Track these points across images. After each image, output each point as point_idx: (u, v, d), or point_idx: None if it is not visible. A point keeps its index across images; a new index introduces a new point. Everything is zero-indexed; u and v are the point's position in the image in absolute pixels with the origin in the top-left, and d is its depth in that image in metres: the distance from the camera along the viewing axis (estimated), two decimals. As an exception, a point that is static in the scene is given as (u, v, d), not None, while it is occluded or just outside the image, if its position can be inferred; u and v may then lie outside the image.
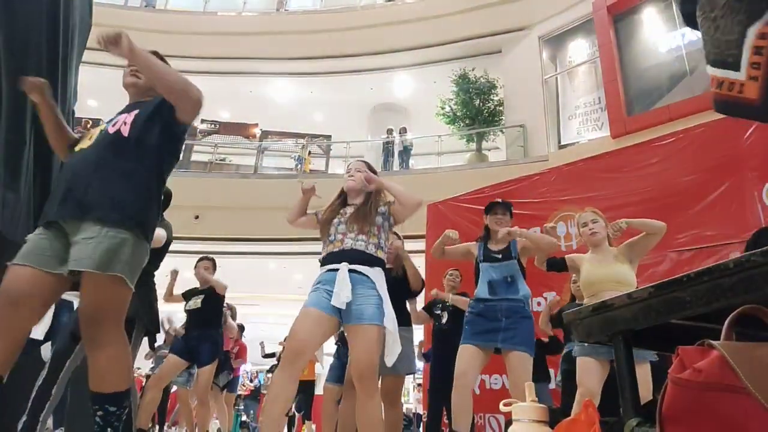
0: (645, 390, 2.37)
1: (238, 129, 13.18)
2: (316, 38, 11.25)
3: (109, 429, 1.64)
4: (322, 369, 7.14)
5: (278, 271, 11.60)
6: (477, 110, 10.33)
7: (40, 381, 2.18)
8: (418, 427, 7.32)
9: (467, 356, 2.93)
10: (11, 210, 2.29)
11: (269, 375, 9.51)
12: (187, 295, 4.45)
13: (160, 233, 2.76)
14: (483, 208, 3.41)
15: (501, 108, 10.44)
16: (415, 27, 10.83)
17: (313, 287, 2.26)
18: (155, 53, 1.89)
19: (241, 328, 6.70)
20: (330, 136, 12.72)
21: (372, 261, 2.27)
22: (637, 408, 1.04)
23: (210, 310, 4.32)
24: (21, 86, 1.82)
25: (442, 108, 10.65)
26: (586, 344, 2.56)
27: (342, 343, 3.56)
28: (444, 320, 4.10)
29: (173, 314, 5.24)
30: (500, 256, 3.08)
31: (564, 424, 1.33)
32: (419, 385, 10.13)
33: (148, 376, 6.77)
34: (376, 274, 2.25)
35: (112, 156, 1.70)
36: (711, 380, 0.72)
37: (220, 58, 11.43)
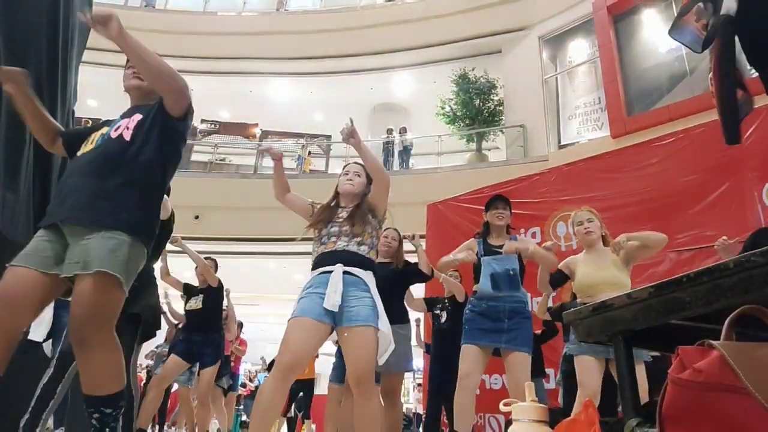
0: (641, 390, 2.37)
1: (238, 129, 13.18)
2: (316, 38, 11.25)
3: (106, 429, 1.64)
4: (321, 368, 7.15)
5: (278, 271, 11.60)
6: (477, 110, 10.32)
7: (45, 379, 2.18)
8: (418, 426, 7.32)
9: (471, 357, 2.91)
10: (11, 210, 2.29)
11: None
12: (187, 291, 4.42)
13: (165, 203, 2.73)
14: (483, 208, 3.40)
15: (501, 108, 10.44)
16: (415, 27, 10.83)
17: (304, 292, 2.20)
18: None
19: (240, 324, 6.72)
20: (330, 136, 12.71)
21: (365, 263, 2.26)
22: (637, 408, 1.04)
23: (210, 309, 4.32)
24: None
25: (442, 108, 10.65)
26: (580, 342, 2.56)
27: None
28: (443, 319, 4.11)
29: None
30: (499, 251, 3.07)
31: (564, 424, 1.33)
32: (419, 385, 10.12)
33: (148, 374, 6.77)
34: (369, 277, 2.24)
35: (114, 160, 1.70)
36: (711, 380, 0.72)
37: (220, 58, 11.43)
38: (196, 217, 9.34)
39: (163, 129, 1.79)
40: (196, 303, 4.29)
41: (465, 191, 5.66)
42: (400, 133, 11.70)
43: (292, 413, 7.48)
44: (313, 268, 2.28)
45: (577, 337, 1.22)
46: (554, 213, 4.70)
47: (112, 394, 1.62)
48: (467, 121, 10.46)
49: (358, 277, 2.19)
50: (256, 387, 10.86)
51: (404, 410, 9.26)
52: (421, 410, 7.42)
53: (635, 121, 7.75)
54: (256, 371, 12.54)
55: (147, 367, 7.10)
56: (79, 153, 1.81)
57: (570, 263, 2.96)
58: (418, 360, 5.56)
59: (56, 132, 1.93)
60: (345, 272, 2.17)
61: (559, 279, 3.03)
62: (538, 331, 3.99)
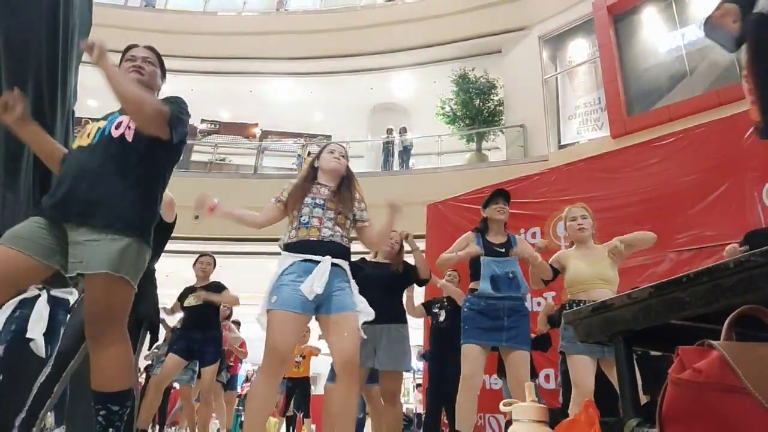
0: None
1: (238, 129, 13.18)
2: (316, 38, 11.25)
3: (111, 429, 1.65)
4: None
5: (278, 271, 11.59)
6: (477, 110, 10.32)
7: (42, 378, 2.18)
8: (419, 427, 7.32)
9: (474, 357, 2.90)
10: (11, 210, 2.30)
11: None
12: (183, 297, 4.43)
13: (168, 197, 2.73)
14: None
15: (501, 108, 10.44)
16: (415, 27, 10.83)
17: (286, 278, 2.14)
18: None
19: (237, 323, 6.71)
20: (330, 136, 12.71)
21: (346, 254, 2.29)
22: (637, 408, 1.04)
23: (210, 307, 4.32)
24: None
25: (442, 108, 10.65)
26: (579, 342, 2.54)
27: None
28: (441, 318, 4.11)
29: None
30: (503, 250, 3.05)
31: (564, 424, 1.33)
32: (419, 385, 10.12)
33: (147, 375, 6.76)
34: (347, 266, 2.27)
35: (116, 161, 1.70)
36: (711, 380, 0.72)
37: (220, 58, 11.43)
38: (196, 217, 9.31)
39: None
40: (196, 300, 4.27)
41: (465, 191, 5.66)
42: (400, 133, 11.70)
43: (291, 412, 7.47)
44: (292, 250, 2.21)
45: (577, 338, 1.22)
46: (554, 213, 4.70)
47: (121, 392, 1.65)
48: (467, 121, 10.46)
49: (342, 267, 2.22)
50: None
51: (404, 410, 9.27)
52: (421, 410, 7.42)
53: (635, 121, 7.75)
54: (254, 371, 12.54)
55: (145, 367, 7.09)
56: (75, 145, 1.79)
57: (561, 258, 2.95)
58: (417, 360, 5.56)
59: (63, 155, 1.91)
60: (332, 263, 2.17)
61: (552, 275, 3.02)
62: (532, 335, 3.99)
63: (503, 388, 4.14)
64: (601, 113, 8.72)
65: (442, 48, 10.78)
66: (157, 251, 2.59)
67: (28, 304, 2.66)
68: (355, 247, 2.46)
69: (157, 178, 1.81)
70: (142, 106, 1.69)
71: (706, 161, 3.95)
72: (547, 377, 4.31)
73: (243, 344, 6.66)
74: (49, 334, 2.66)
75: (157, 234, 1.81)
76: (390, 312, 3.25)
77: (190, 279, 4.52)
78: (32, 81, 2.50)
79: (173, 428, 6.97)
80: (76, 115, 3.14)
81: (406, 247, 3.49)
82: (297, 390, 6.90)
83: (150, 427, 4.65)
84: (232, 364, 6.50)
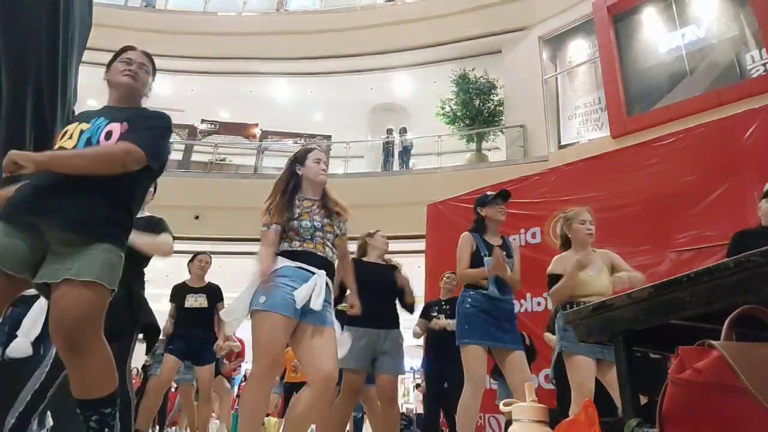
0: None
1: (238, 129, 13.17)
2: (316, 38, 11.25)
3: (106, 429, 1.64)
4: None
5: (278, 271, 11.59)
6: (477, 110, 10.32)
7: (36, 386, 2.17)
8: (419, 427, 7.33)
9: (481, 358, 2.86)
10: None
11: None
12: (181, 292, 4.34)
13: (167, 240, 2.77)
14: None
15: (501, 108, 10.43)
16: (415, 27, 10.82)
17: (278, 280, 2.12)
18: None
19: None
20: (330, 136, 12.71)
21: (333, 275, 2.33)
22: (637, 408, 1.04)
23: (212, 309, 4.31)
24: None
25: (442, 108, 10.64)
26: (582, 343, 2.52)
27: None
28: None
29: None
30: (505, 253, 3.03)
31: (564, 425, 1.33)
32: (419, 385, 10.12)
33: (145, 375, 6.76)
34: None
35: (104, 177, 1.66)
36: (711, 380, 0.72)
37: (220, 58, 11.43)
38: (196, 217, 9.34)
39: None
40: (198, 301, 4.26)
41: (465, 191, 5.66)
42: (400, 133, 11.69)
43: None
44: (293, 258, 2.19)
45: (577, 338, 1.22)
46: (554, 213, 4.70)
47: (110, 394, 1.63)
48: (467, 121, 10.46)
49: (329, 288, 2.25)
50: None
51: (404, 410, 9.27)
52: (421, 410, 7.42)
53: (635, 121, 7.75)
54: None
55: (142, 367, 7.08)
56: (57, 146, 1.73)
57: (565, 262, 2.84)
58: (417, 360, 5.57)
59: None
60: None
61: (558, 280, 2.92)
62: None
63: (498, 389, 4.14)
64: (601, 113, 8.72)
65: (442, 48, 10.78)
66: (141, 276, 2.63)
67: (21, 303, 2.57)
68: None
69: (137, 189, 1.81)
70: (105, 165, 1.66)
71: (706, 161, 3.95)
72: (546, 377, 4.31)
73: (242, 346, 6.67)
74: (42, 337, 2.64)
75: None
76: (392, 317, 3.28)
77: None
78: (32, 81, 2.50)
79: (173, 428, 6.97)
80: (76, 115, 3.14)
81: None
82: (295, 392, 6.89)
83: (149, 427, 4.64)
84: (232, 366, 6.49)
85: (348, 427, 4.89)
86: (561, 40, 9.73)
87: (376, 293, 3.07)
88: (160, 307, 4.24)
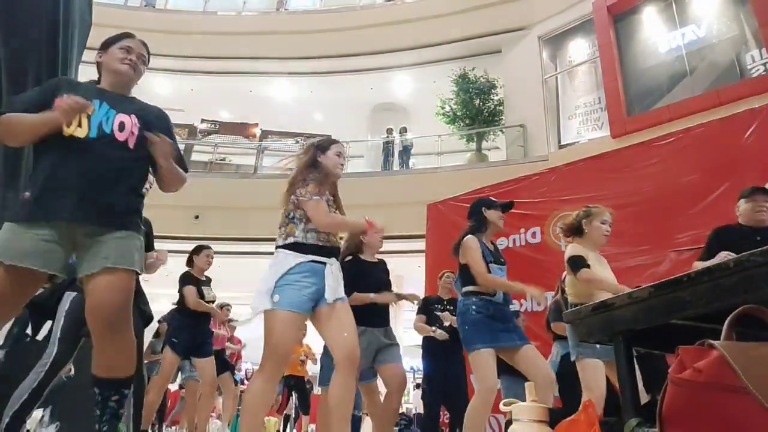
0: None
1: (238, 129, 13.16)
2: (316, 38, 11.25)
3: (121, 410, 1.74)
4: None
5: (278, 271, 11.59)
6: (477, 110, 10.32)
7: (35, 384, 2.18)
8: (418, 426, 7.33)
9: (493, 363, 2.79)
10: (11, 210, 2.29)
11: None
12: (197, 285, 4.22)
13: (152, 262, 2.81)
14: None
15: (501, 108, 10.43)
16: (415, 27, 10.82)
17: (291, 278, 2.13)
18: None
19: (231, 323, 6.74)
20: (330, 136, 12.69)
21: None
22: (637, 408, 1.04)
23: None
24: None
25: (442, 108, 10.64)
26: (598, 346, 2.49)
27: None
28: (445, 322, 4.06)
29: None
30: (502, 260, 3.02)
31: (564, 425, 1.33)
32: (419, 385, 10.11)
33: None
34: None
35: (123, 164, 1.79)
36: (711, 380, 0.72)
37: (220, 58, 11.43)
38: (196, 217, 9.34)
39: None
40: (211, 295, 4.23)
41: (465, 191, 5.66)
42: (400, 132, 11.69)
43: (290, 411, 7.49)
44: (304, 252, 2.19)
45: (577, 337, 1.22)
46: (554, 213, 4.70)
47: (131, 376, 1.77)
48: (467, 121, 10.46)
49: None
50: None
51: (404, 410, 9.27)
52: (421, 410, 7.42)
53: (635, 121, 7.75)
54: (254, 371, 12.53)
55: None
56: (68, 133, 1.71)
57: (585, 254, 2.75)
58: (417, 360, 5.55)
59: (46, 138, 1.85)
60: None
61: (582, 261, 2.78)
62: None
63: (503, 388, 4.12)
64: (601, 113, 8.72)
65: (442, 48, 10.78)
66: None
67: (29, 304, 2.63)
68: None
69: (147, 178, 1.96)
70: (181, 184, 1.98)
71: (706, 161, 3.95)
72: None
73: (238, 341, 6.69)
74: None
75: None
76: (388, 314, 3.30)
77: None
78: (32, 81, 2.50)
79: (173, 428, 6.97)
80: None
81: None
82: (295, 390, 6.90)
83: (150, 425, 4.63)
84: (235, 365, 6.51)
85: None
86: (561, 39, 9.73)
87: (375, 292, 3.09)
88: (159, 307, 4.22)
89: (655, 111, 7.65)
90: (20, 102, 1.79)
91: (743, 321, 0.80)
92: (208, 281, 4.33)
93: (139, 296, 2.49)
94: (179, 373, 5.41)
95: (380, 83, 11.95)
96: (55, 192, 1.66)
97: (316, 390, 9.22)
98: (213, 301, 4.24)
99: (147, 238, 2.76)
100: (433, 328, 3.92)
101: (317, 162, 2.39)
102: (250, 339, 7.34)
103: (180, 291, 4.17)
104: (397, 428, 6.65)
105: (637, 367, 2.53)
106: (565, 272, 3.53)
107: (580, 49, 9.46)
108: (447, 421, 4.52)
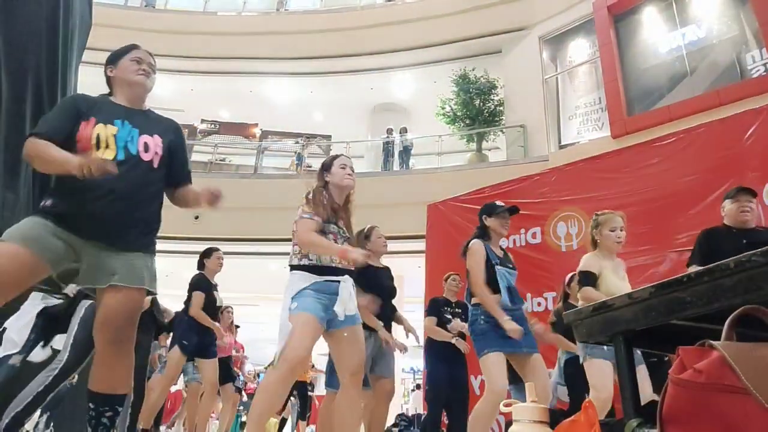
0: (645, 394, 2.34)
1: (238, 129, 13.17)
2: (316, 38, 11.25)
3: (113, 429, 1.74)
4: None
5: (278, 271, 11.57)
6: (477, 110, 10.32)
7: (40, 388, 2.19)
8: (418, 427, 7.32)
9: (502, 367, 2.79)
10: (11, 210, 2.30)
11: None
12: (210, 288, 4.24)
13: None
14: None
15: (501, 108, 10.43)
16: (415, 27, 10.82)
17: (306, 291, 2.25)
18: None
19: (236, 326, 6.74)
20: (330, 136, 12.70)
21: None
22: (638, 408, 1.04)
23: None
24: None
25: (442, 108, 10.64)
26: (605, 347, 2.49)
27: None
28: (453, 324, 4.02)
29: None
30: (511, 264, 3.01)
31: (564, 425, 1.33)
32: (419, 385, 10.11)
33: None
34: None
35: (148, 185, 1.84)
36: (711, 380, 0.72)
37: (220, 58, 11.43)
38: (196, 217, 9.33)
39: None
40: (219, 298, 4.25)
41: (465, 191, 5.66)
42: (400, 133, 11.69)
43: (287, 414, 7.49)
44: (318, 273, 2.30)
45: (577, 338, 1.22)
46: (554, 213, 4.70)
47: (126, 394, 1.78)
48: (467, 121, 10.46)
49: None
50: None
51: (404, 411, 9.26)
52: (421, 411, 7.41)
53: (635, 121, 7.74)
54: (257, 371, 12.53)
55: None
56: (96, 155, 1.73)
57: (597, 266, 2.76)
58: (417, 360, 5.56)
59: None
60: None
61: (592, 278, 2.80)
62: None
63: (512, 393, 4.07)
64: (601, 113, 8.72)
65: (442, 48, 10.78)
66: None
67: (45, 313, 2.60)
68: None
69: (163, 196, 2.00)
70: None
71: (706, 161, 3.95)
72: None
73: (241, 349, 6.70)
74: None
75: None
76: (390, 320, 3.31)
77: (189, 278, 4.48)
78: (32, 81, 2.50)
79: (173, 428, 6.97)
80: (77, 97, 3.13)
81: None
82: (295, 392, 6.92)
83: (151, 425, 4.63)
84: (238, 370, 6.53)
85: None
86: (561, 40, 9.73)
87: (381, 298, 3.11)
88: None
89: (655, 111, 7.65)
90: (47, 128, 1.77)
91: (744, 321, 0.79)
92: (215, 286, 4.34)
93: (154, 305, 2.53)
94: (182, 375, 5.41)
95: (380, 83, 11.95)
96: (82, 209, 1.70)
97: (317, 391, 9.23)
98: (220, 306, 4.26)
99: None
100: (456, 338, 3.84)
101: (327, 183, 2.49)
102: (250, 340, 7.36)
103: (189, 293, 4.20)
104: (396, 429, 6.65)
105: (648, 373, 2.55)
106: (568, 277, 3.55)
107: (580, 49, 9.46)
108: (447, 421, 4.51)
